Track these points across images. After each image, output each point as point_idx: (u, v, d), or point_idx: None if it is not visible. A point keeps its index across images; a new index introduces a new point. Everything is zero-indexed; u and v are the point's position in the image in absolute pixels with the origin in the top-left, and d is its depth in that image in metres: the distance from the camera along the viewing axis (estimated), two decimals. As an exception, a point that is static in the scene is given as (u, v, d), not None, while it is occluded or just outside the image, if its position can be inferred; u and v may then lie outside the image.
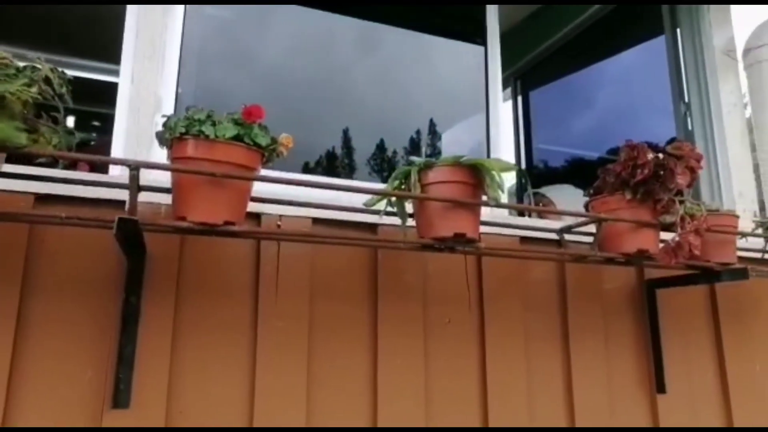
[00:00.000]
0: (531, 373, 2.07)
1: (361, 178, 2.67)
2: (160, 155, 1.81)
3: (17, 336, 1.50)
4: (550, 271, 2.24)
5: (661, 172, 1.88)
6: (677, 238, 1.87)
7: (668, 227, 1.90)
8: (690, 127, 3.09)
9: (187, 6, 1.94)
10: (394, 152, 2.86)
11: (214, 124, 1.42)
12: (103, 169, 1.99)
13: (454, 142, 3.01)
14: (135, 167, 1.33)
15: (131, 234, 1.37)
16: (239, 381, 1.69)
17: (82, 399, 1.53)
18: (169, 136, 1.42)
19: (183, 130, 1.40)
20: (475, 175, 1.69)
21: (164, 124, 1.47)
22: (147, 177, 1.60)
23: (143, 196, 1.66)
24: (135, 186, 1.34)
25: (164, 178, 1.61)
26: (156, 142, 1.81)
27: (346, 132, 2.72)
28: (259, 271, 1.77)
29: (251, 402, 1.68)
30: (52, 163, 1.56)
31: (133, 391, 1.56)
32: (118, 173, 1.78)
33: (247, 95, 2.23)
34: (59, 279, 1.58)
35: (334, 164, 2.72)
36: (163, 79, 1.87)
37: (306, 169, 2.61)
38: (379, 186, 1.78)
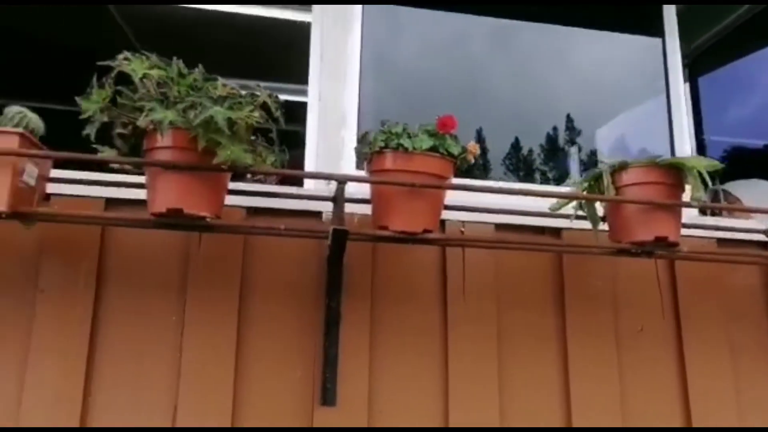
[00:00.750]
0: (740, 390, 1.88)
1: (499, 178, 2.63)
2: (347, 168, 1.93)
3: (239, 335, 1.67)
4: (753, 276, 2.03)
5: None
6: None
7: None
8: None
9: (364, 27, 2.03)
10: (530, 150, 2.77)
11: (410, 137, 1.47)
12: (293, 183, 2.14)
13: (603, 139, 2.85)
14: (343, 181, 1.43)
15: (340, 243, 1.47)
16: (432, 383, 1.73)
17: (294, 396, 1.67)
18: (369, 150, 1.50)
19: (382, 144, 1.47)
20: (673, 174, 1.59)
21: (361, 140, 1.56)
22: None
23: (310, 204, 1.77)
24: (342, 198, 1.43)
25: (355, 190, 1.70)
26: (343, 156, 1.93)
27: (479, 131, 2.67)
28: (446, 278, 1.81)
29: (445, 405, 1.71)
30: (264, 179, 1.72)
31: (338, 390, 1.66)
32: (312, 186, 1.91)
33: (416, 104, 2.28)
34: (269, 285, 1.73)
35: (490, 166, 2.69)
36: (345, 96, 1.97)
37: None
38: (566, 189, 1.74)
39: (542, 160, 2.84)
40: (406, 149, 1.45)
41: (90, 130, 1.34)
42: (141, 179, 1.62)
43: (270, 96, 1.43)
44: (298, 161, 2.04)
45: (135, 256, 1.69)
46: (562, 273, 1.88)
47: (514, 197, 1.82)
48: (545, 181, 2.72)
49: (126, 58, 1.32)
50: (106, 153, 1.39)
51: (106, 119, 1.33)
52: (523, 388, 1.78)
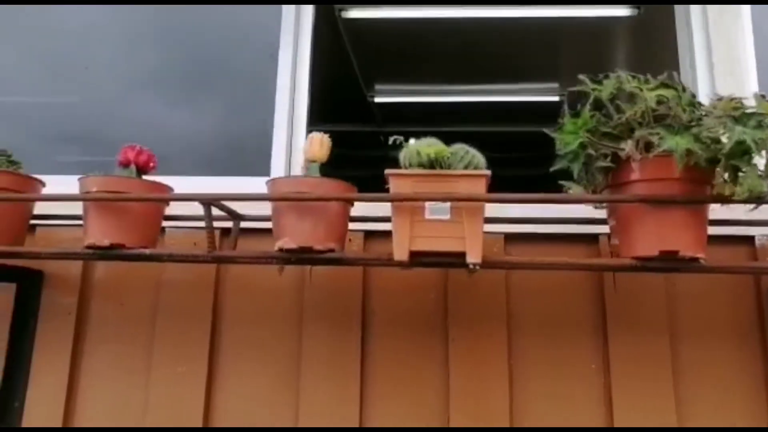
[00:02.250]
0: None
1: None
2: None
3: (675, 385, 1.43)
4: None
5: None
6: None
7: None
8: None
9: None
10: None
11: None
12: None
13: None
14: None
15: None
16: None
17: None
18: None
19: None
20: None
21: None
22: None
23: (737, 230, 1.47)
24: None
25: None
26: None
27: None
28: None
29: None
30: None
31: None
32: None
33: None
34: (697, 325, 1.48)
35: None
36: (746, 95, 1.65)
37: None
38: None
39: None
40: None
41: (572, 167, 1.14)
42: (535, 212, 1.47)
43: (776, 104, 1.15)
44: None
45: (543, 298, 1.51)
46: None
47: None
48: None
49: (627, 79, 1.11)
50: (574, 189, 1.20)
51: (591, 151, 1.13)
52: None
